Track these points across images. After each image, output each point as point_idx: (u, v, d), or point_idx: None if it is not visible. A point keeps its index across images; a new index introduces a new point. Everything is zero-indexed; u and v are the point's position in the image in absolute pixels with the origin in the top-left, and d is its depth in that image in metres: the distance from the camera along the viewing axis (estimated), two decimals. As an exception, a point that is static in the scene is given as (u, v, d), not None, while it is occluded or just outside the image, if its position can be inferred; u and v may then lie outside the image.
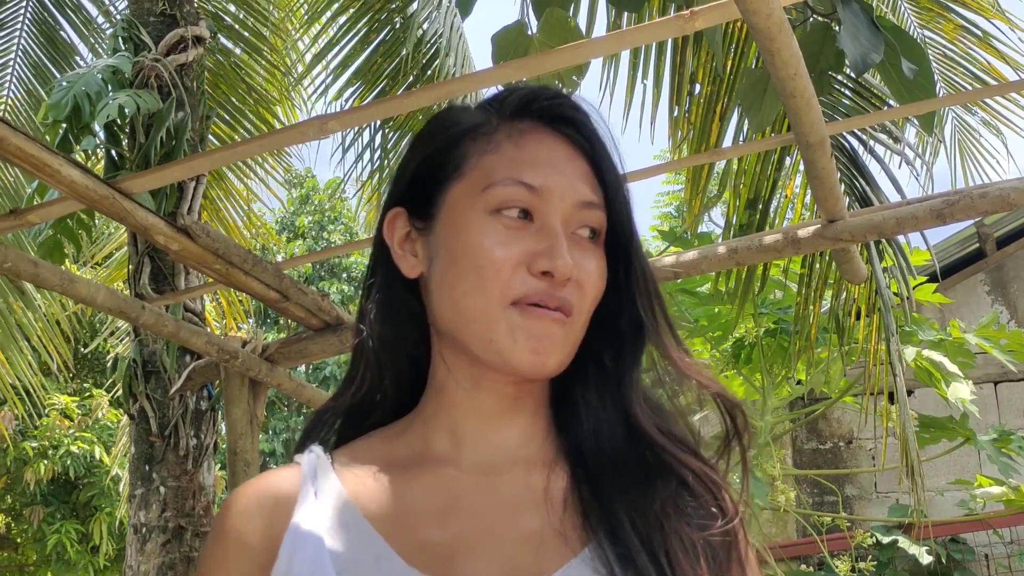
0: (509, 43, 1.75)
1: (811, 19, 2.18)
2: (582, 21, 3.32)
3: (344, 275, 16.73)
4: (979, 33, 5.37)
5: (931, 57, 5.49)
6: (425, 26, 4.62)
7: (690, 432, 0.94)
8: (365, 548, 0.86)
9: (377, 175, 5.02)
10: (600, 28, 3.54)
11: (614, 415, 0.93)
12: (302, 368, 15.25)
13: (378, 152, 4.97)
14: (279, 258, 15.54)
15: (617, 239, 0.94)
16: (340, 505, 0.90)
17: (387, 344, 0.97)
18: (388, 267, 0.98)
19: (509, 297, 0.88)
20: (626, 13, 3.38)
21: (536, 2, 1.73)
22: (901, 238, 3.25)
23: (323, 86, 5.07)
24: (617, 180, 0.94)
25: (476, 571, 0.85)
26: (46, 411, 9.45)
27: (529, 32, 1.77)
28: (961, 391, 3.93)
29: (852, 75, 3.03)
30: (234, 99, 5.44)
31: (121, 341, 6.26)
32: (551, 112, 0.96)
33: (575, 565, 0.84)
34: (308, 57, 5.54)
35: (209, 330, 4.06)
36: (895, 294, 3.42)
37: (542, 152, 0.93)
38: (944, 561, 5.85)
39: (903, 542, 5.47)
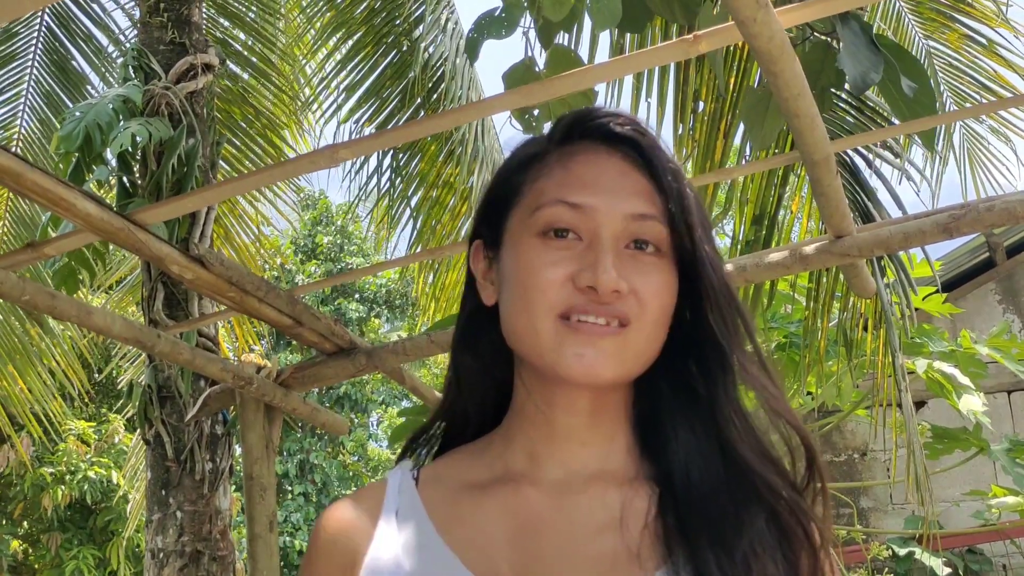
0: (518, 80, 1.78)
1: (811, 38, 2.20)
2: (585, 40, 3.35)
3: (357, 295, 16.78)
4: (984, 42, 5.38)
5: (937, 66, 5.51)
6: (431, 49, 4.66)
7: (787, 453, 0.93)
8: (440, 568, 0.89)
9: (387, 197, 5.06)
10: (603, 46, 3.57)
11: (706, 440, 0.92)
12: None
13: (387, 174, 5.01)
14: (299, 278, 15.61)
15: (683, 251, 0.93)
16: (419, 524, 0.93)
17: (468, 371, 1.02)
18: (473, 298, 1.02)
19: (555, 311, 0.90)
20: (628, 32, 3.41)
21: (541, 30, 1.76)
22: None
23: (332, 108, 5.12)
24: (676, 191, 0.94)
25: None
26: (63, 437, 9.50)
27: (537, 68, 1.81)
28: (973, 403, 3.92)
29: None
30: (242, 123, 5.49)
31: (132, 363, 6.30)
32: (601, 130, 0.97)
33: None
34: (316, 80, 5.60)
35: (223, 356, 4.09)
36: (897, 303, 3.43)
37: (590, 171, 0.94)
38: (962, 572, 5.82)
39: (920, 554, 5.45)
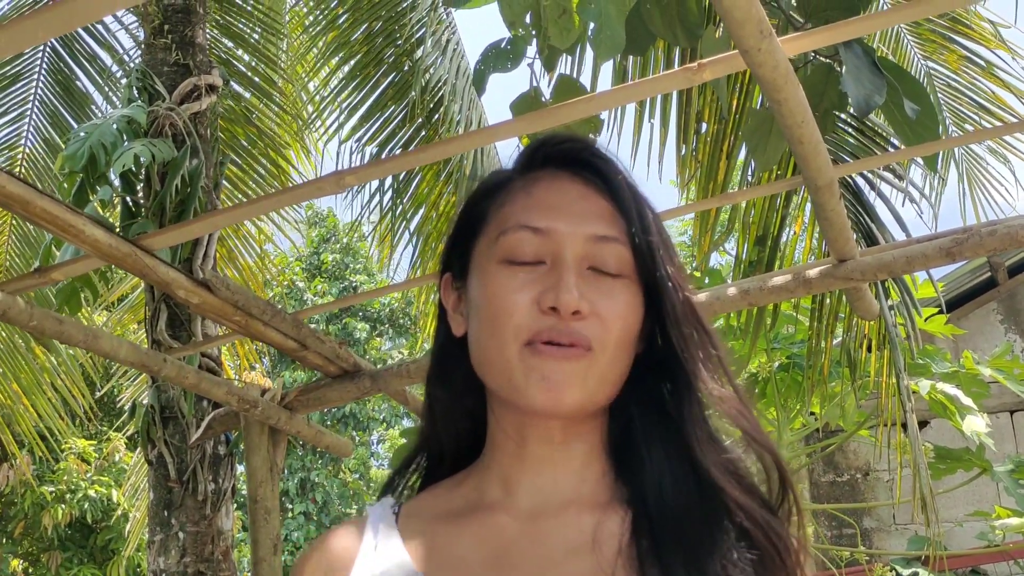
0: (525, 109, 1.80)
1: (813, 60, 2.22)
2: (588, 63, 3.37)
3: (360, 314, 16.78)
4: (982, 63, 5.41)
5: (936, 88, 5.54)
6: (432, 71, 4.68)
7: (762, 470, 0.93)
8: None
9: (389, 215, 5.08)
10: (607, 68, 3.59)
11: (678, 460, 0.92)
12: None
13: (388, 193, 5.02)
14: (307, 296, 15.61)
15: (646, 272, 0.94)
16: (396, 556, 0.94)
17: (441, 403, 1.02)
18: (444, 330, 1.02)
19: (521, 338, 0.90)
20: (631, 55, 3.43)
21: (546, 59, 1.78)
22: (906, 274, 3.27)
23: (334, 127, 5.15)
24: (637, 213, 0.95)
25: None
26: (64, 455, 9.49)
27: (544, 99, 1.82)
28: (976, 424, 3.93)
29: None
30: (245, 143, 5.51)
31: (133, 382, 6.30)
32: (563, 156, 0.98)
33: None
34: (318, 100, 5.62)
35: (228, 379, 4.10)
36: (901, 324, 3.44)
37: (551, 195, 0.95)
38: (965, 592, 5.80)
39: (923, 575, 5.43)
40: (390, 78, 5.02)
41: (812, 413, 4.59)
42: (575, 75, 3.06)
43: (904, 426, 3.66)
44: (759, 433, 0.93)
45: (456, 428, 1.03)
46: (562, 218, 0.93)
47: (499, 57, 1.70)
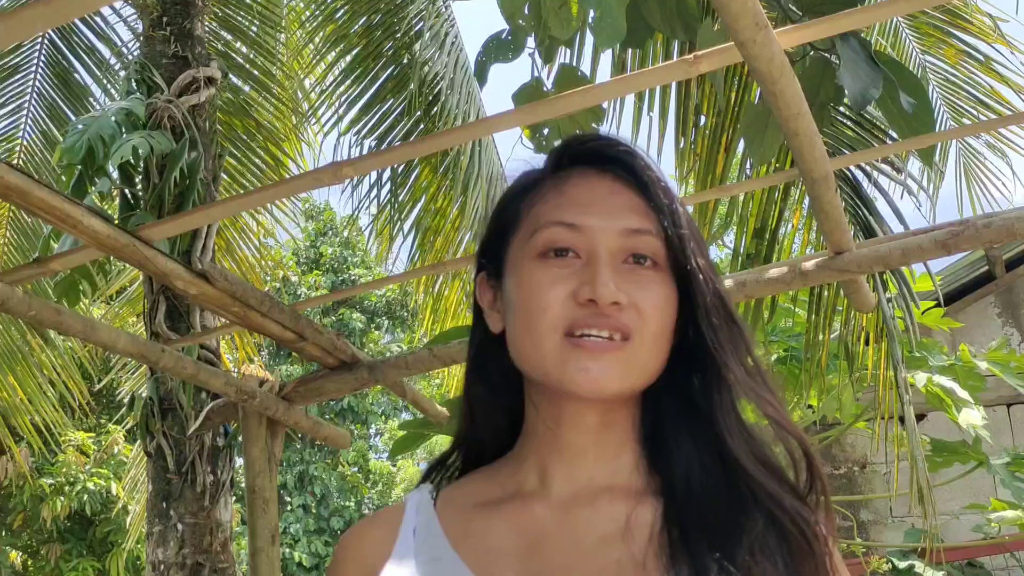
0: (527, 100, 1.81)
1: (810, 54, 2.22)
2: (587, 55, 3.37)
3: (357, 306, 16.80)
4: (981, 58, 5.41)
5: (934, 82, 5.54)
6: (430, 64, 4.68)
7: (790, 460, 0.94)
8: None
9: (387, 208, 5.08)
10: (605, 61, 3.59)
11: (707, 449, 0.94)
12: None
13: (387, 185, 5.02)
14: (301, 290, 15.60)
15: (678, 264, 0.96)
16: (434, 540, 0.96)
17: (479, 399, 1.05)
18: (481, 328, 1.04)
19: (559, 328, 0.92)
20: (630, 48, 3.44)
21: (545, 51, 1.78)
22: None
23: (333, 120, 5.14)
24: (667, 205, 0.97)
25: None
26: (62, 448, 9.49)
27: (545, 88, 1.83)
28: (972, 417, 3.94)
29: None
30: (243, 135, 5.51)
31: (132, 375, 6.30)
32: (591, 154, 1.01)
33: None
34: (317, 93, 5.62)
35: (226, 370, 4.10)
36: (899, 317, 3.45)
37: (583, 192, 0.98)
38: (962, 585, 5.82)
39: (920, 567, 5.45)
40: (389, 71, 5.02)
41: (810, 406, 4.60)
42: (575, 63, 3.06)
43: (902, 419, 3.67)
44: (787, 421, 0.95)
45: (495, 423, 1.05)
46: (595, 213, 0.95)
47: (500, 48, 1.71)
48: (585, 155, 1.01)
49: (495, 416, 1.05)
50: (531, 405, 1.00)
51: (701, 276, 0.95)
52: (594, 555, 0.91)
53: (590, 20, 1.69)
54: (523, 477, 0.99)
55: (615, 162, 0.99)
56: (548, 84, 1.84)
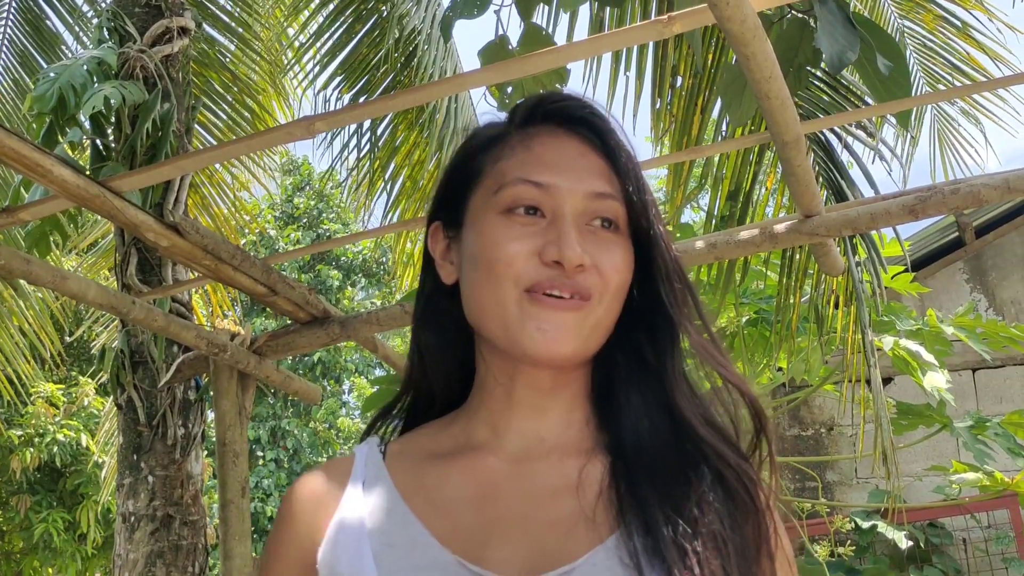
0: (492, 57, 1.80)
1: (789, 15, 2.22)
2: (564, 18, 3.36)
3: (334, 263, 16.75)
4: (958, 24, 5.43)
5: (911, 47, 5.55)
6: (407, 20, 4.64)
7: (731, 424, 0.96)
8: (403, 531, 0.93)
9: (367, 163, 5.06)
10: (583, 21, 3.58)
11: (656, 408, 0.96)
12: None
13: (367, 136, 5.00)
14: (280, 244, 15.51)
15: (639, 229, 0.98)
16: (385, 492, 0.97)
17: (429, 349, 1.05)
18: (432, 278, 1.05)
19: (521, 284, 0.93)
20: (608, 7, 3.42)
21: (522, 7, 1.78)
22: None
23: (310, 75, 5.10)
24: (631, 171, 0.98)
25: (506, 554, 0.90)
26: (31, 399, 9.45)
27: (510, 47, 1.83)
28: (937, 380, 3.99)
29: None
30: (219, 88, 5.45)
31: (106, 328, 6.27)
32: (561, 113, 1.01)
33: (601, 551, 0.88)
34: (296, 45, 5.56)
35: (198, 323, 4.09)
36: (868, 281, 3.49)
37: (550, 151, 0.98)
38: (923, 545, 5.94)
39: (882, 527, 5.55)
40: (367, 26, 4.97)
41: (779, 368, 4.65)
42: (551, 25, 3.05)
43: (868, 382, 3.72)
44: (739, 380, 0.97)
45: (446, 372, 1.05)
46: (562, 174, 0.96)
47: (467, 4, 1.70)
48: (555, 114, 1.01)
49: (446, 365, 1.05)
50: (482, 360, 1.01)
51: (662, 241, 0.98)
52: (547, 506, 0.92)
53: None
54: (474, 430, 1.00)
55: (584, 124, 1.00)
56: (513, 43, 1.83)
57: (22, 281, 5.52)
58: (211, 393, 3.11)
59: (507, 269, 0.93)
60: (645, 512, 0.88)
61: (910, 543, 5.60)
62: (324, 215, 17.00)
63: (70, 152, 4.01)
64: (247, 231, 6.55)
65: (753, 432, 0.96)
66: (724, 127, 3.63)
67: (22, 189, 3.70)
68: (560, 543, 0.89)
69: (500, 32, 1.81)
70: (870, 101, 3.21)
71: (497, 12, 1.78)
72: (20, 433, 9.64)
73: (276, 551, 1.00)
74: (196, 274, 2.55)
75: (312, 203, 17.04)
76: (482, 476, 0.96)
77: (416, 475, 0.98)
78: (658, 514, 0.88)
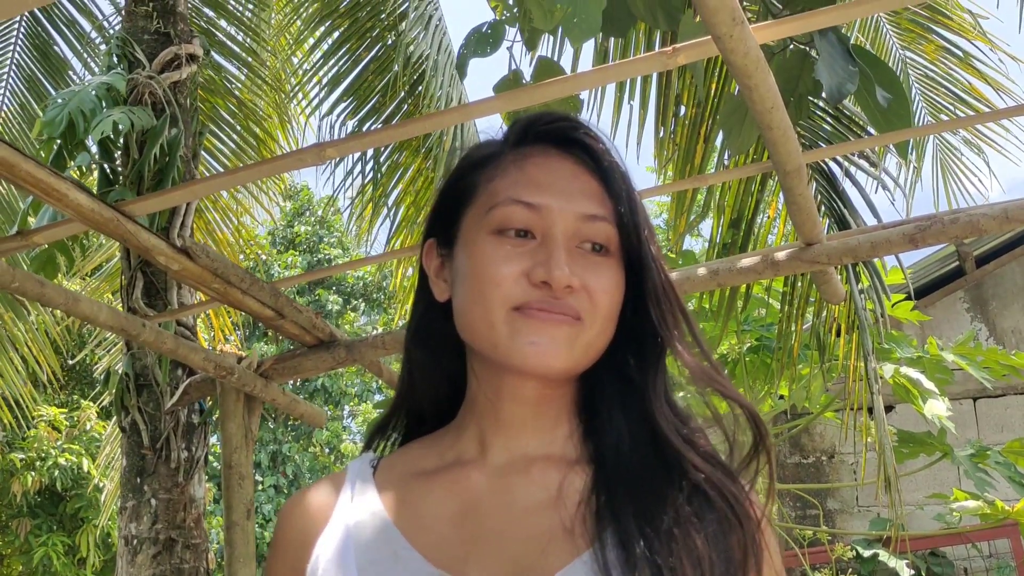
0: (507, 91, 1.84)
1: (791, 46, 2.26)
2: (569, 47, 3.40)
3: (334, 287, 16.77)
4: (960, 54, 5.48)
5: (913, 77, 5.60)
6: (413, 46, 4.69)
7: (727, 441, 0.97)
8: (387, 545, 0.94)
9: (370, 188, 5.09)
10: (587, 51, 3.62)
11: (638, 424, 0.96)
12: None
13: (370, 164, 5.03)
14: (275, 268, 15.54)
15: (631, 250, 0.98)
16: (371, 508, 0.98)
17: (420, 365, 1.07)
18: (425, 295, 1.06)
19: (510, 303, 0.93)
20: (612, 37, 3.47)
21: (528, 39, 1.81)
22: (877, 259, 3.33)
23: (316, 101, 5.15)
24: (625, 194, 0.98)
25: (486, 568, 0.91)
26: (34, 423, 9.45)
27: (524, 81, 1.86)
28: (937, 408, 4.01)
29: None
30: (225, 114, 5.50)
31: (108, 352, 6.29)
32: (555, 134, 1.02)
33: (577, 565, 0.88)
34: (300, 72, 5.61)
35: (206, 346, 4.11)
36: (871, 310, 3.51)
37: (543, 172, 0.98)
38: (924, 574, 5.92)
39: (884, 556, 5.54)
40: (373, 52, 5.03)
41: (781, 396, 4.66)
42: (556, 56, 3.09)
43: (870, 410, 3.74)
44: (735, 393, 0.97)
45: (436, 390, 1.07)
46: (554, 195, 0.96)
47: (480, 42, 1.73)
48: (549, 134, 1.02)
49: (436, 382, 1.07)
50: (473, 376, 1.02)
51: (653, 264, 0.98)
52: (526, 521, 0.94)
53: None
54: (462, 447, 1.01)
55: (577, 144, 1.01)
56: (527, 77, 1.87)
57: (25, 306, 5.55)
58: (215, 416, 3.13)
59: (496, 290, 0.94)
60: (622, 526, 0.89)
61: (911, 572, 5.58)
62: (325, 240, 17.04)
63: (78, 177, 4.05)
64: (245, 255, 6.57)
65: (751, 443, 0.97)
66: (727, 156, 3.67)
67: (29, 213, 3.73)
68: (538, 556, 0.90)
69: (512, 67, 1.85)
70: (872, 131, 3.25)
71: (510, 48, 1.82)
72: (22, 456, 9.63)
73: (273, 573, 1.03)
74: (203, 297, 2.57)
75: (312, 228, 17.09)
76: (465, 491, 0.97)
77: (402, 490, 1.00)
78: (633, 527, 0.89)
